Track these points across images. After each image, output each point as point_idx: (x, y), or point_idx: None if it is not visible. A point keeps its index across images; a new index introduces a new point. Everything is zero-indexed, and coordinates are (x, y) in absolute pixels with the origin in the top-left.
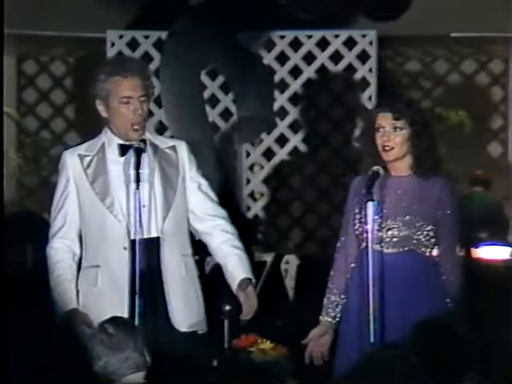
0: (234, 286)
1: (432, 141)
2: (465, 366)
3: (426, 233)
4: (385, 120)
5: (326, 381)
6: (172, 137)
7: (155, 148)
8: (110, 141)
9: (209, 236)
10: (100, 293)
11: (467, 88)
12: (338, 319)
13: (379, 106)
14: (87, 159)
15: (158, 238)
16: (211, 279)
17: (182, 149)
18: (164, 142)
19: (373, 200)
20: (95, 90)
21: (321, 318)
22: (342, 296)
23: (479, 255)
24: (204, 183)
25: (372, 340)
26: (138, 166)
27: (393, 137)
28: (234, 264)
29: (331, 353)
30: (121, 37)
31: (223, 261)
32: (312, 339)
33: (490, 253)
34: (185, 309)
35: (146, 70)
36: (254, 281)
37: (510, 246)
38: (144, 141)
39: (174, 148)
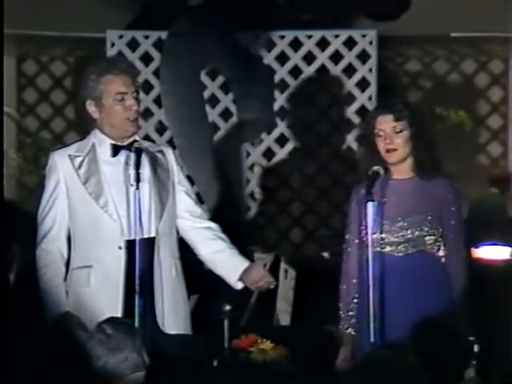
0: (236, 275)
1: (431, 141)
2: (465, 365)
3: (434, 232)
4: (385, 123)
5: (327, 381)
6: (171, 138)
7: (147, 151)
8: (101, 141)
9: (198, 233)
10: (92, 293)
11: (467, 88)
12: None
13: (377, 110)
14: (78, 160)
15: (153, 239)
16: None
17: (170, 153)
18: (152, 146)
19: (373, 200)
20: (86, 91)
21: (343, 330)
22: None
23: (479, 255)
24: (190, 187)
25: (372, 340)
26: (138, 166)
27: (395, 139)
28: (234, 255)
29: (333, 353)
30: (121, 37)
31: (216, 255)
32: (344, 359)
33: (490, 253)
34: (173, 310)
35: (135, 68)
36: None
37: (510, 245)
38: (137, 141)
39: (162, 152)
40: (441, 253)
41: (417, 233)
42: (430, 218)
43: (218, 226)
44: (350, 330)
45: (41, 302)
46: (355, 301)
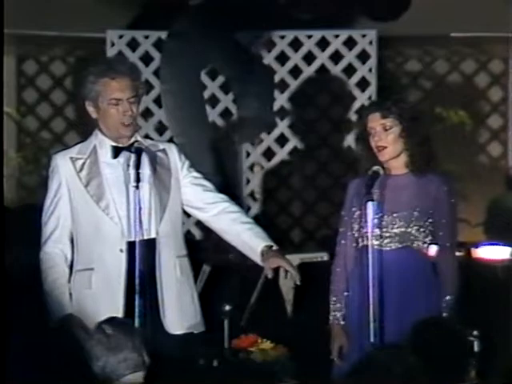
0: (257, 256)
1: (423, 137)
2: (464, 365)
3: (423, 229)
4: (374, 121)
5: (326, 381)
6: (172, 137)
7: (148, 150)
8: (102, 143)
9: (216, 221)
10: (94, 296)
11: (467, 88)
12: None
13: (367, 108)
14: (79, 162)
15: (154, 240)
16: (211, 279)
17: (173, 151)
18: (154, 146)
19: (373, 200)
20: (85, 91)
21: (332, 321)
22: (346, 297)
23: (479, 255)
24: (197, 176)
25: (372, 340)
26: (138, 166)
27: (384, 136)
28: (249, 238)
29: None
30: (121, 37)
31: (238, 240)
32: (339, 350)
33: (490, 253)
34: (179, 311)
35: (136, 70)
36: (275, 247)
37: (509, 245)
38: (138, 141)
39: (164, 151)
40: (430, 251)
41: (403, 229)
42: (417, 214)
43: (230, 202)
44: (338, 320)
45: (44, 304)
46: (345, 293)
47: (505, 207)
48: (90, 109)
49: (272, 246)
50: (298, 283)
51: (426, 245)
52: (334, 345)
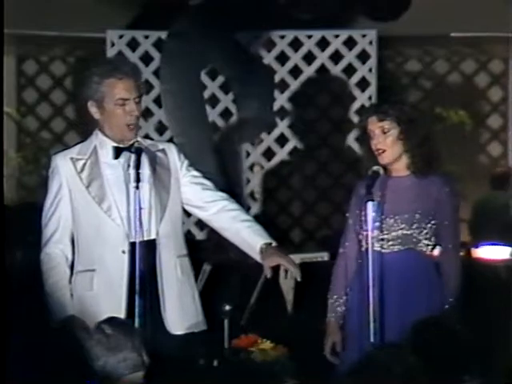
0: (257, 257)
1: (422, 138)
2: (465, 365)
3: (425, 231)
4: (373, 124)
5: (326, 381)
6: (172, 137)
7: (147, 151)
8: (103, 143)
9: (216, 220)
10: (95, 297)
11: (467, 88)
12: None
13: (366, 112)
14: (80, 163)
15: (155, 240)
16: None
17: (172, 151)
18: (154, 146)
19: (373, 200)
20: (88, 92)
21: (328, 320)
22: (346, 297)
23: (479, 255)
24: (196, 175)
25: (372, 340)
26: (138, 166)
27: (382, 139)
28: (249, 236)
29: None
30: (121, 37)
31: (237, 237)
32: (332, 347)
33: (490, 253)
34: (180, 311)
35: (137, 70)
36: (274, 244)
37: (509, 245)
38: (138, 141)
39: (163, 151)
40: (433, 252)
41: (405, 231)
42: (418, 216)
43: (230, 200)
44: (336, 319)
45: (44, 304)
46: (346, 294)
47: (504, 207)
48: (94, 109)
49: (271, 244)
50: (299, 279)
51: (428, 246)
52: (327, 341)
